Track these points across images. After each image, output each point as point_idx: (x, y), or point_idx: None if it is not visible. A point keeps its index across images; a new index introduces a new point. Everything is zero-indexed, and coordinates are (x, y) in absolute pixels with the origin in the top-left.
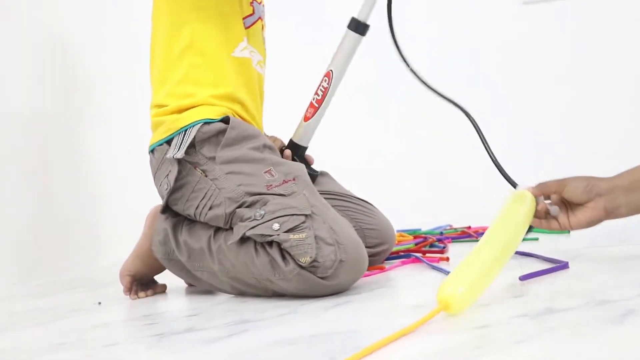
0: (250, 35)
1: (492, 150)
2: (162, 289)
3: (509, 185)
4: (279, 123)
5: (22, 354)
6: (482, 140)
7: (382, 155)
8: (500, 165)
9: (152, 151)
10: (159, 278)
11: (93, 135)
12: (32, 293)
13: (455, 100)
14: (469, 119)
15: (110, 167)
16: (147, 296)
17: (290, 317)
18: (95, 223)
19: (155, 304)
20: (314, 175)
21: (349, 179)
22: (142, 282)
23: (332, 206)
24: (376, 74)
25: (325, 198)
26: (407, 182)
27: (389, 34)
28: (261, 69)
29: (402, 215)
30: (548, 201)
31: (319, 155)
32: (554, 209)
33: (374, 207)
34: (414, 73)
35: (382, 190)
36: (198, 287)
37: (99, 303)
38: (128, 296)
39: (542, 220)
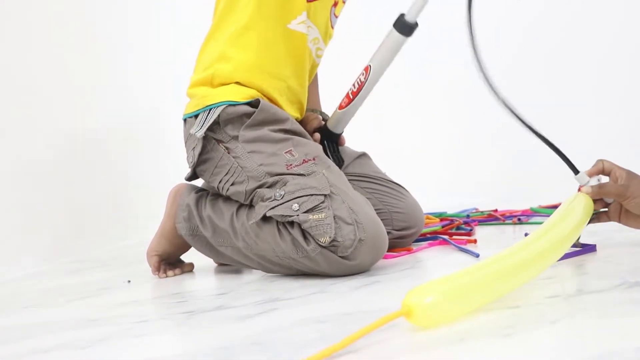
0: (312, 10)
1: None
2: (189, 268)
3: (571, 171)
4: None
5: (53, 329)
6: (538, 135)
7: (414, 138)
8: (562, 152)
9: (185, 120)
10: (185, 258)
11: (120, 115)
12: (61, 270)
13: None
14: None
15: (138, 147)
16: (175, 275)
17: (320, 297)
18: (124, 202)
19: (184, 282)
20: (338, 164)
21: (380, 161)
22: (170, 262)
23: (363, 188)
24: (410, 58)
25: (357, 180)
26: (434, 165)
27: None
28: (314, 45)
29: (429, 198)
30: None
31: (356, 137)
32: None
33: (406, 190)
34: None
35: (410, 173)
36: (223, 261)
37: (129, 281)
38: (156, 275)
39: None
